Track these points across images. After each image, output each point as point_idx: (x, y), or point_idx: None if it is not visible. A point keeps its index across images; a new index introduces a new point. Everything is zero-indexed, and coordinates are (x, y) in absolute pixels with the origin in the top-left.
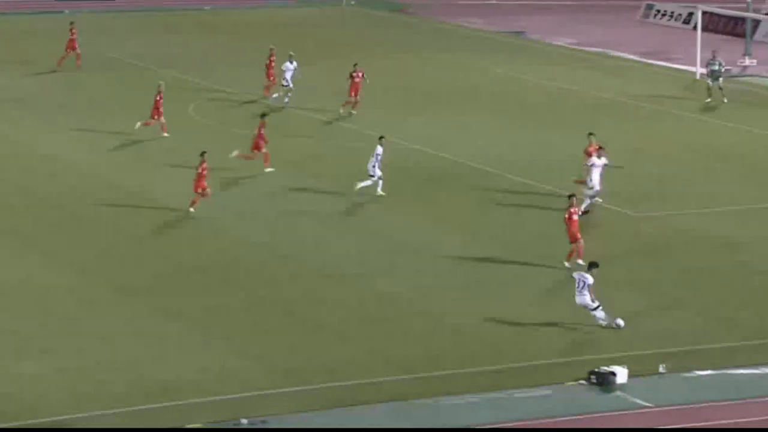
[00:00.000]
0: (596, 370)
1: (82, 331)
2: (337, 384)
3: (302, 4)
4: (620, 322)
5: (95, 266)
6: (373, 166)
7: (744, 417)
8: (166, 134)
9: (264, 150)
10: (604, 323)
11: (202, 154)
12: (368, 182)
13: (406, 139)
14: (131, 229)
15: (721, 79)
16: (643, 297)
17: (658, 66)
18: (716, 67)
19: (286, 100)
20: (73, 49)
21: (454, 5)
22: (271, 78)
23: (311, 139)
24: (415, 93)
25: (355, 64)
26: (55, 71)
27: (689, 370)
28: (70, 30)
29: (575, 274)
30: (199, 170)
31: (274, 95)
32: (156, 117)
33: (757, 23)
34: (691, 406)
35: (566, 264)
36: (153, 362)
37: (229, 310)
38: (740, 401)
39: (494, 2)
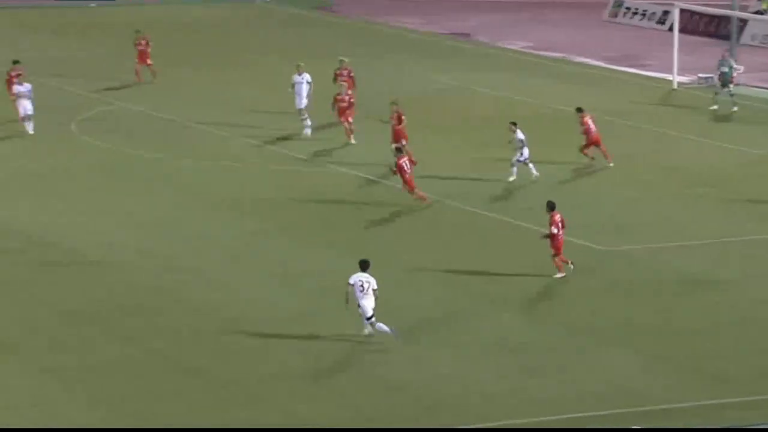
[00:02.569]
0: None
1: None
2: None
3: (208, 2)
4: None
5: None
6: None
7: None
8: (353, 141)
9: (601, 146)
10: (386, 331)
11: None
12: (532, 168)
13: (331, 158)
14: (2, 271)
15: (731, 85)
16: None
17: (628, 73)
18: (726, 70)
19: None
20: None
21: (389, 2)
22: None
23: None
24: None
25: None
26: None
27: None
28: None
29: (354, 278)
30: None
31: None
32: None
33: (744, 23)
34: None
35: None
36: (25, 428)
37: (118, 368)
38: None
39: None
